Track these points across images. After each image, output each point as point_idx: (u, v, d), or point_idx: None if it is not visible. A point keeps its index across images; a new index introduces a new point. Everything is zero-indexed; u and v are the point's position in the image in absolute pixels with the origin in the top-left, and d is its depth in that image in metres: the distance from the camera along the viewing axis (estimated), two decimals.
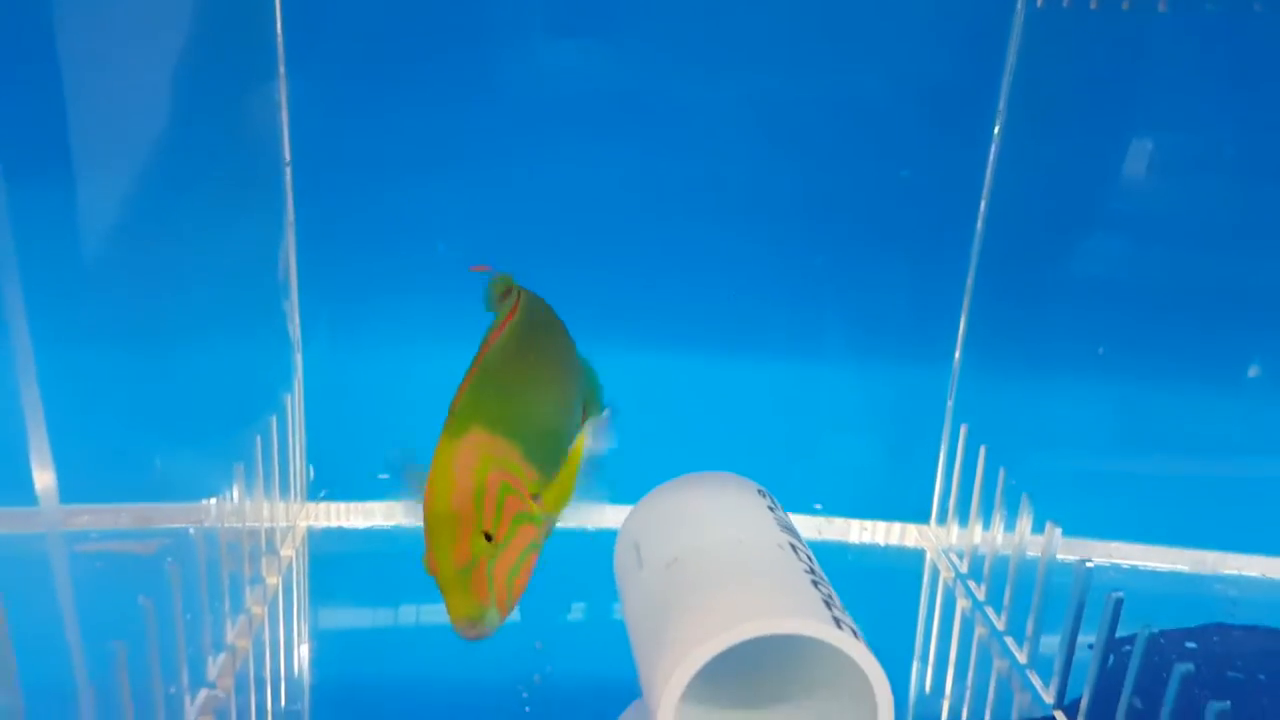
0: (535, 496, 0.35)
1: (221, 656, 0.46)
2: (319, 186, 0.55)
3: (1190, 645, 0.51)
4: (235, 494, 0.48)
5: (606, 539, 0.49)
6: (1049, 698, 0.47)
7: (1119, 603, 0.43)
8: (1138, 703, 0.41)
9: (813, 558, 0.43)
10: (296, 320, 0.57)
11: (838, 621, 0.37)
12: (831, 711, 0.39)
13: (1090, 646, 0.45)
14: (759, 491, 0.48)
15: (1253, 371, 0.56)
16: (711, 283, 0.60)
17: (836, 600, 0.39)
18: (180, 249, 0.54)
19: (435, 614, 0.53)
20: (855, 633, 0.37)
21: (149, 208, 0.53)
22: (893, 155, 0.57)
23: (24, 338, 0.46)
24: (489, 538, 0.32)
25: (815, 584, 0.39)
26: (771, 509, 0.46)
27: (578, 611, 0.53)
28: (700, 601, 0.38)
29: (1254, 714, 0.46)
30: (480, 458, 0.33)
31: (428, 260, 0.56)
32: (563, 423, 0.39)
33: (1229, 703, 0.37)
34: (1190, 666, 0.39)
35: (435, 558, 0.32)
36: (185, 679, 0.42)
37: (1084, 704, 0.45)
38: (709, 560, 0.41)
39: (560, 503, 0.36)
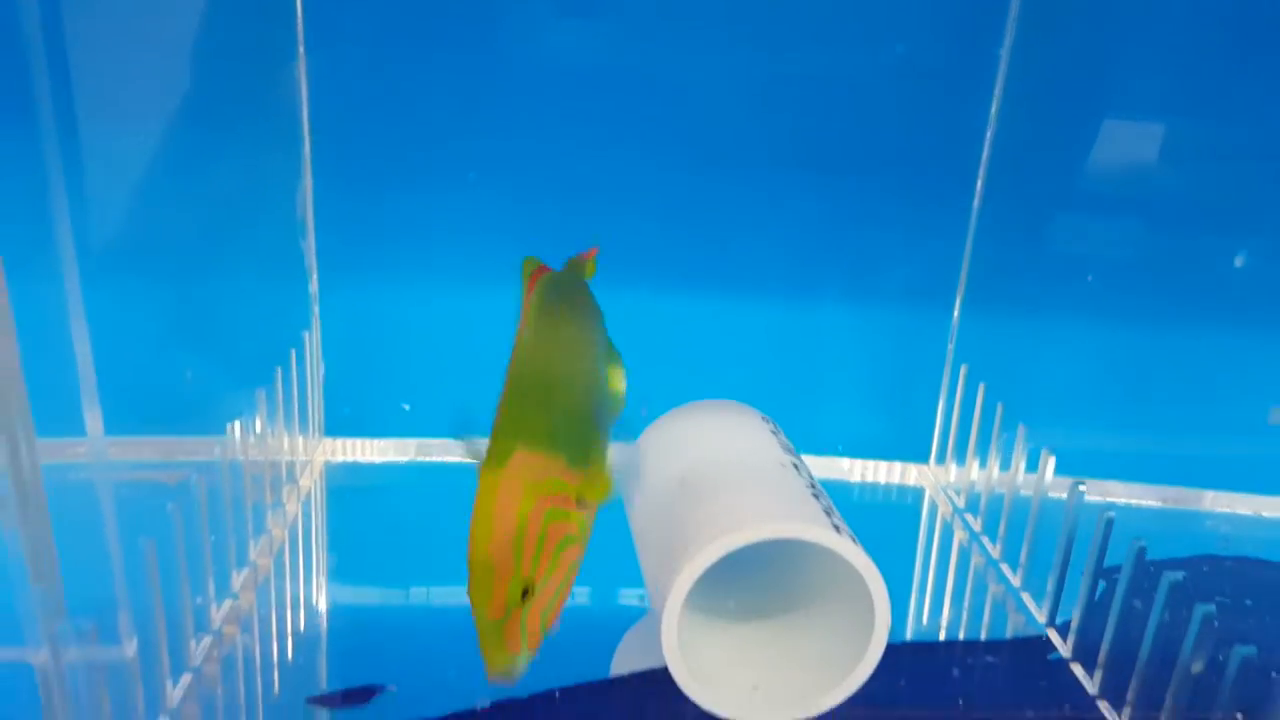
0: (581, 501, 0.35)
1: (245, 571, 0.48)
2: (336, 125, 0.57)
3: (1180, 573, 0.52)
4: (258, 422, 0.50)
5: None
6: (1041, 617, 0.49)
7: (1110, 521, 0.45)
8: (1136, 603, 0.42)
9: (814, 476, 0.44)
10: (314, 258, 0.58)
11: (836, 529, 0.38)
12: (830, 620, 0.41)
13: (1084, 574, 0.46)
14: (762, 418, 0.49)
15: (1238, 261, 0.57)
16: (717, 227, 0.61)
17: (836, 512, 0.40)
18: (204, 189, 0.55)
19: (446, 544, 0.55)
20: (853, 539, 0.38)
21: (177, 152, 0.54)
22: (897, 102, 0.58)
23: (74, 274, 0.48)
24: (527, 590, 0.32)
25: (816, 496, 0.41)
26: (774, 433, 0.48)
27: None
28: (705, 511, 0.40)
29: (1241, 632, 0.47)
30: (524, 489, 0.33)
31: (442, 198, 0.58)
32: (596, 399, 0.39)
33: (1214, 606, 0.38)
34: (1180, 575, 0.41)
35: (474, 605, 0.32)
36: (211, 589, 0.44)
37: (1074, 622, 0.46)
38: (714, 475, 0.42)
39: (605, 491, 0.36)
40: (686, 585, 0.37)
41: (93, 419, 0.51)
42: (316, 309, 0.60)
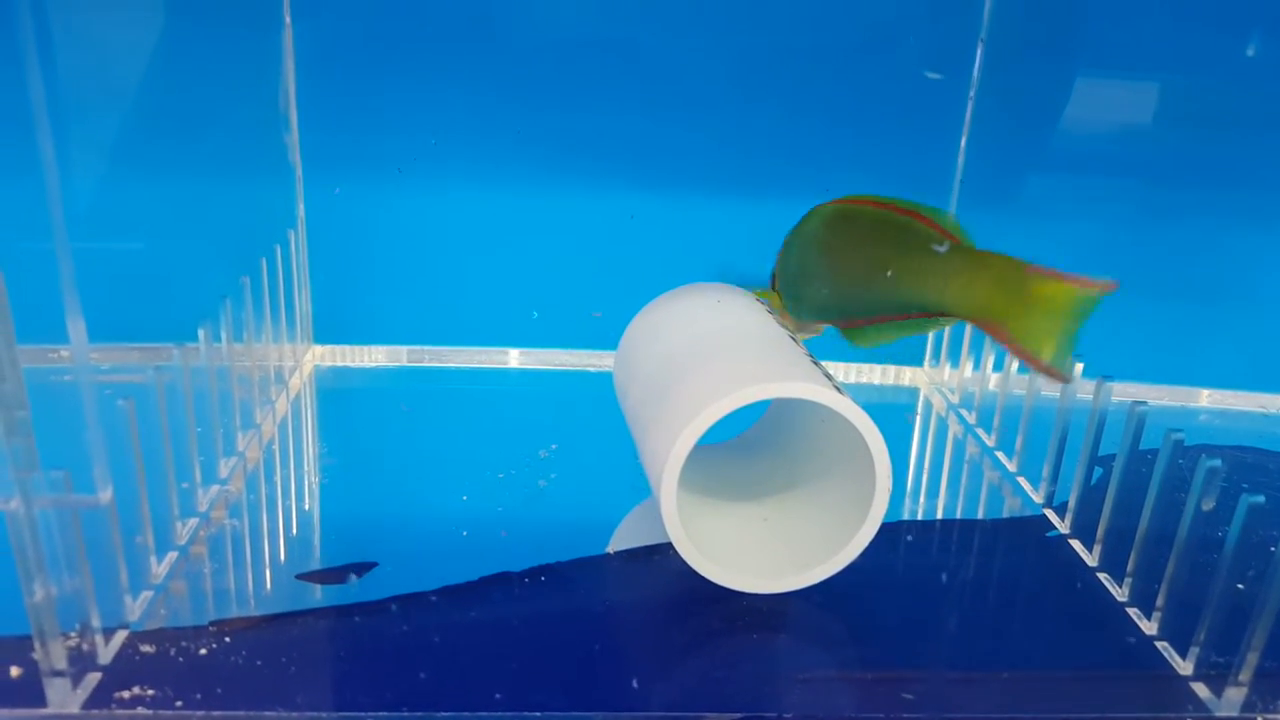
0: None
1: (233, 460, 0.47)
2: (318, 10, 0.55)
3: (1179, 461, 0.52)
4: (247, 310, 0.49)
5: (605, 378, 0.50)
6: (1038, 498, 0.48)
7: (1141, 413, 0.44)
8: (1141, 469, 0.42)
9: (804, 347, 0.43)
10: (298, 154, 0.57)
11: (838, 390, 0.37)
12: (830, 496, 0.40)
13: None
14: (752, 294, 0.49)
15: None
16: (708, 125, 0.60)
17: (835, 379, 0.40)
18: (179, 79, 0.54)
19: (437, 442, 0.54)
20: (853, 399, 0.38)
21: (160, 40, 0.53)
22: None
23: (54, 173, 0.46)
24: None
25: (814, 363, 0.40)
26: (768, 310, 0.47)
27: (579, 435, 0.54)
28: (704, 375, 0.39)
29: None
30: None
31: (431, 91, 0.56)
32: None
33: (1220, 461, 0.38)
34: (1183, 435, 0.40)
35: None
36: (198, 475, 0.43)
37: (1072, 502, 0.46)
38: (709, 346, 0.41)
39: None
40: (689, 444, 0.36)
41: (75, 325, 0.50)
42: (302, 209, 0.59)
